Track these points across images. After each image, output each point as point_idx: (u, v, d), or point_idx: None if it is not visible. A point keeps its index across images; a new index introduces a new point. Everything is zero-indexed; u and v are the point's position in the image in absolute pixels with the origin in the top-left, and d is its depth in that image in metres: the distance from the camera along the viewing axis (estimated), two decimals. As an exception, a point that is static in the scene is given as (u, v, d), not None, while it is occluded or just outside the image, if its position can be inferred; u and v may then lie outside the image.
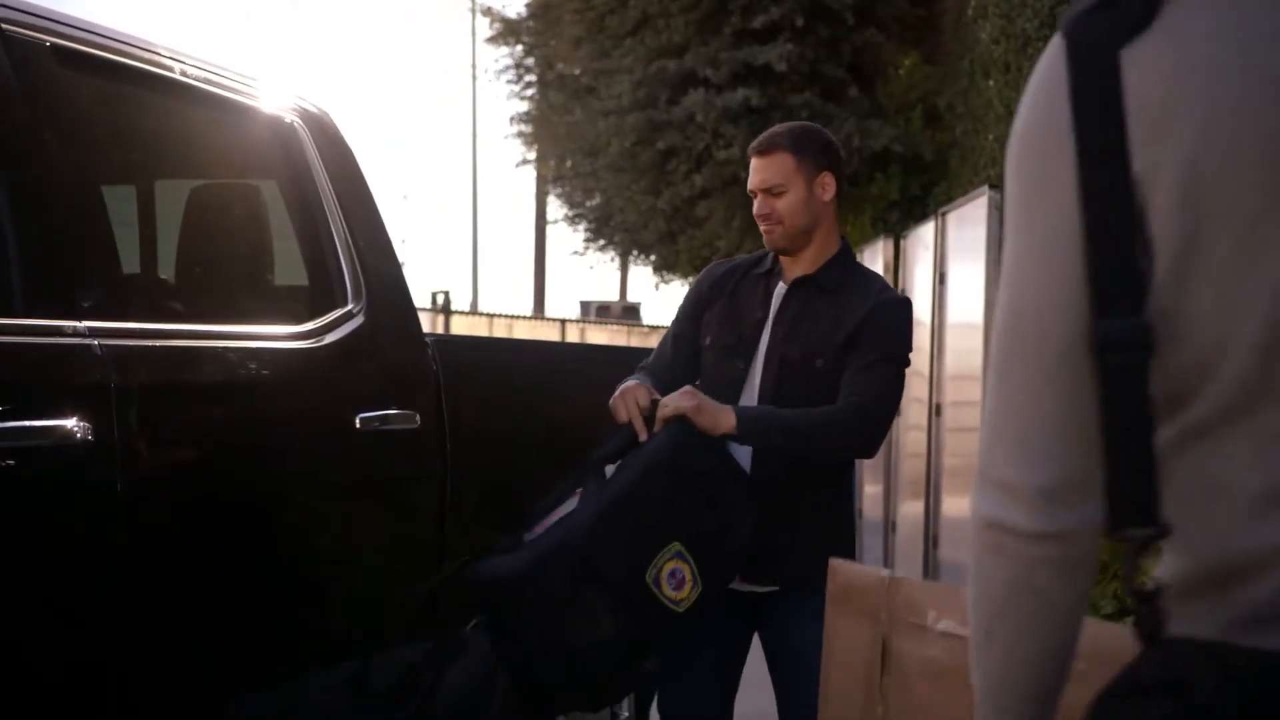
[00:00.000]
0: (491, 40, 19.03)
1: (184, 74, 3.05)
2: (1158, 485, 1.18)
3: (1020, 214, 1.23)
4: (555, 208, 21.18)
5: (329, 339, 3.21)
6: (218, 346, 2.88)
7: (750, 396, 3.30)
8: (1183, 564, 1.22)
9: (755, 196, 3.33)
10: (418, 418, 3.38)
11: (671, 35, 13.68)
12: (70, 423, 2.42)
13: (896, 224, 11.87)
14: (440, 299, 26.07)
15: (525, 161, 20.31)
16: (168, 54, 3.02)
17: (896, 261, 9.79)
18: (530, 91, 18.47)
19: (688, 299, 3.52)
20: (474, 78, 39.71)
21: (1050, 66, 1.20)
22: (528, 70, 18.47)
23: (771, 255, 3.39)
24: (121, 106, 2.94)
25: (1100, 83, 1.14)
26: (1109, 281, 1.15)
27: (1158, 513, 1.18)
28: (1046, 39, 8.74)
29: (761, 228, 3.33)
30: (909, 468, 9.11)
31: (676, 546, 3.06)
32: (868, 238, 11.51)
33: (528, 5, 18.18)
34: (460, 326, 25.87)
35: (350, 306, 3.34)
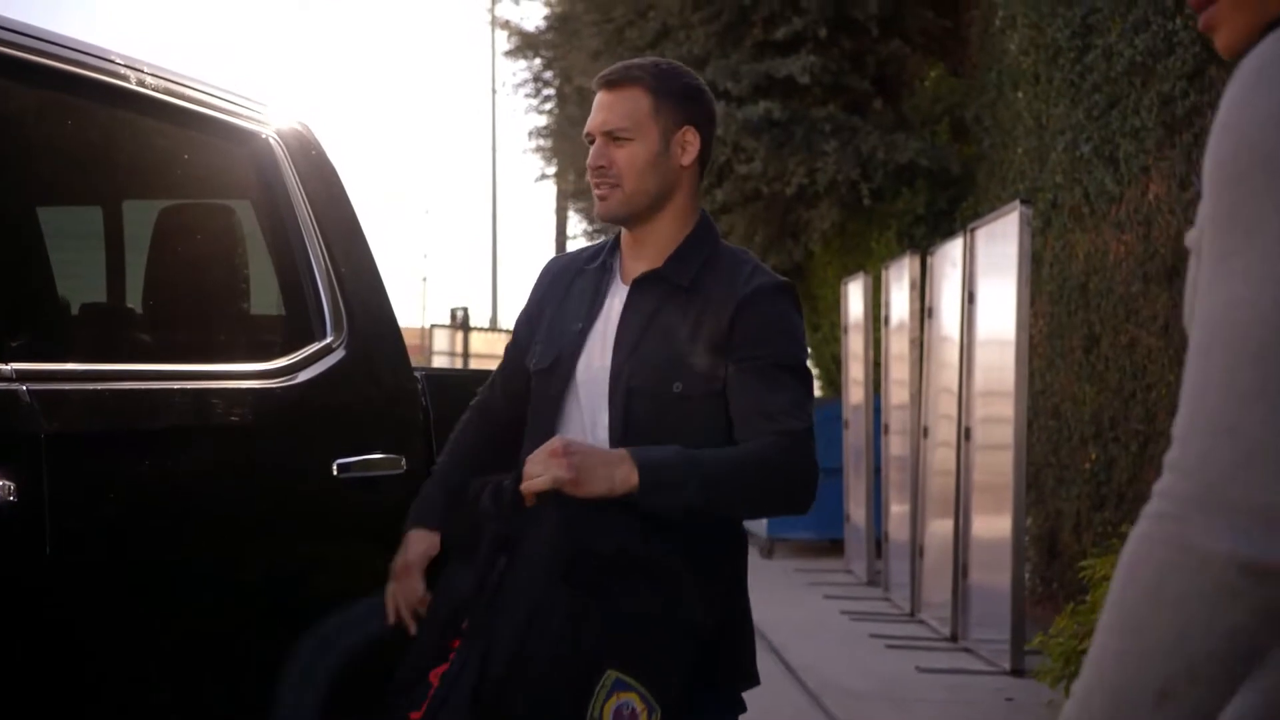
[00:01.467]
0: (510, 54, 18.78)
1: (141, 84, 2.75)
2: None
3: None
4: (575, 223, 20.92)
5: (303, 376, 2.89)
6: (171, 389, 2.57)
7: (568, 433, 2.51)
8: None
9: (591, 142, 2.57)
10: (404, 461, 3.07)
11: (691, 47, 13.40)
12: (-11, 481, 2.11)
13: (922, 239, 11.57)
14: (459, 315, 25.89)
15: (544, 176, 20.03)
16: (122, 61, 2.73)
17: (923, 278, 9.51)
18: (549, 105, 18.21)
19: (529, 303, 2.77)
20: (493, 91, 39.35)
21: None
22: (546, 84, 18.21)
23: (611, 244, 2.66)
24: (65, 119, 2.63)
25: None
26: None
27: None
28: (1079, 49, 8.43)
29: (594, 189, 2.56)
30: (937, 486, 8.84)
31: (612, 675, 2.22)
32: (893, 253, 11.22)
33: (546, 18, 17.93)
34: (479, 342, 25.62)
35: (329, 339, 3.03)
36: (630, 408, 2.49)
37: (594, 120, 2.56)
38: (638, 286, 2.58)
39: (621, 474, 2.29)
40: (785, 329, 2.52)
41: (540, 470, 2.29)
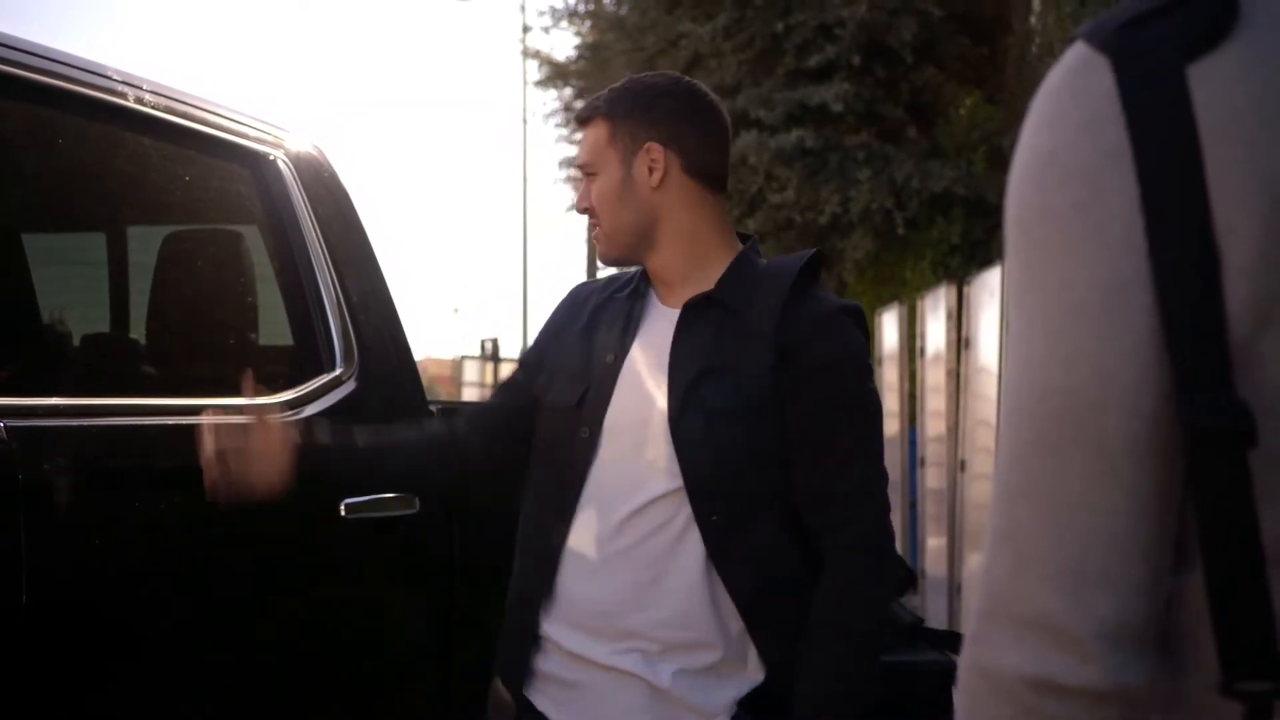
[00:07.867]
0: (541, 83, 18.74)
1: (139, 101, 2.59)
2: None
3: (1044, 267, 0.97)
4: (605, 254, 20.81)
5: (309, 410, 2.73)
6: (165, 424, 2.40)
7: (598, 486, 2.21)
8: None
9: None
10: (418, 501, 2.90)
11: (723, 75, 13.28)
12: (-42, 527, 1.95)
13: (959, 269, 11.40)
14: (489, 346, 25.85)
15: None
16: (119, 78, 2.57)
17: (960, 308, 9.34)
18: (580, 135, 18.15)
19: (544, 328, 2.44)
20: (525, 121, 39.28)
21: (1083, 88, 0.96)
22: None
23: (642, 270, 2.33)
24: (52, 138, 2.48)
25: (1168, 109, 0.92)
26: (1196, 350, 0.91)
27: None
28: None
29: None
30: (975, 521, 8.64)
31: None
32: (928, 283, 11.05)
33: (577, 48, 17.88)
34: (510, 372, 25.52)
35: (339, 371, 2.86)
36: (695, 454, 2.16)
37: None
38: (689, 313, 2.23)
39: None
40: (870, 385, 2.20)
41: None
